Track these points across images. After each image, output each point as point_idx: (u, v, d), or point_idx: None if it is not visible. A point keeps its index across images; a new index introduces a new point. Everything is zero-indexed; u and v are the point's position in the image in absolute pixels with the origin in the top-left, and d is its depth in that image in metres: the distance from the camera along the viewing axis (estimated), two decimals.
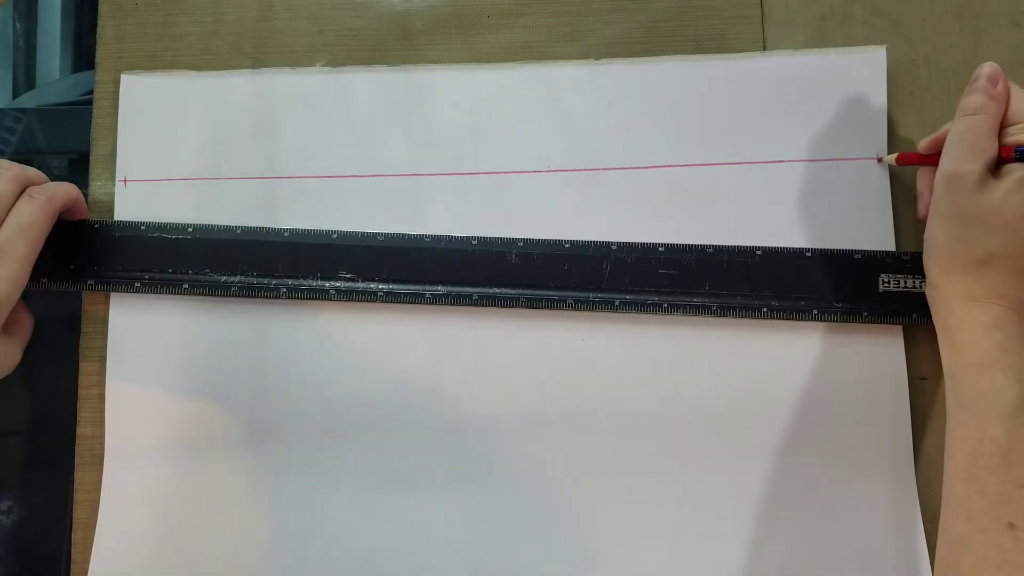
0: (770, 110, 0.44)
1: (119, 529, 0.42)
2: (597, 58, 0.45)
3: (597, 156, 0.44)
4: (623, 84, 0.45)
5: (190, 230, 0.43)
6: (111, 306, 0.43)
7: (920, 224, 0.43)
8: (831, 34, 0.45)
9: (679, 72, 0.45)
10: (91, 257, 0.42)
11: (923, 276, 0.41)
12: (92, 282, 0.42)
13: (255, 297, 0.42)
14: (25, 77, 0.48)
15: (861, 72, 0.44)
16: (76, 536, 0.42)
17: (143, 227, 0.43)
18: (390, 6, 0.46)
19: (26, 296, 0.40)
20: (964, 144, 0.37)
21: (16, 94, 0.48)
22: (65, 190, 0.41)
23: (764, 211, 0.44)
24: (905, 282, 0.42)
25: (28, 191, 0.39)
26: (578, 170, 0.44)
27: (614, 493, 0.42)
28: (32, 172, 0.40)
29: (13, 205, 0.39)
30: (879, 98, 0.44)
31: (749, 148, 0.44)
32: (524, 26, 0.46)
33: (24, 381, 0.44)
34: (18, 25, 0.49)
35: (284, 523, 0.42)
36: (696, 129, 0.44)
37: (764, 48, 0.45)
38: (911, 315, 0.41)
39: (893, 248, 0.43)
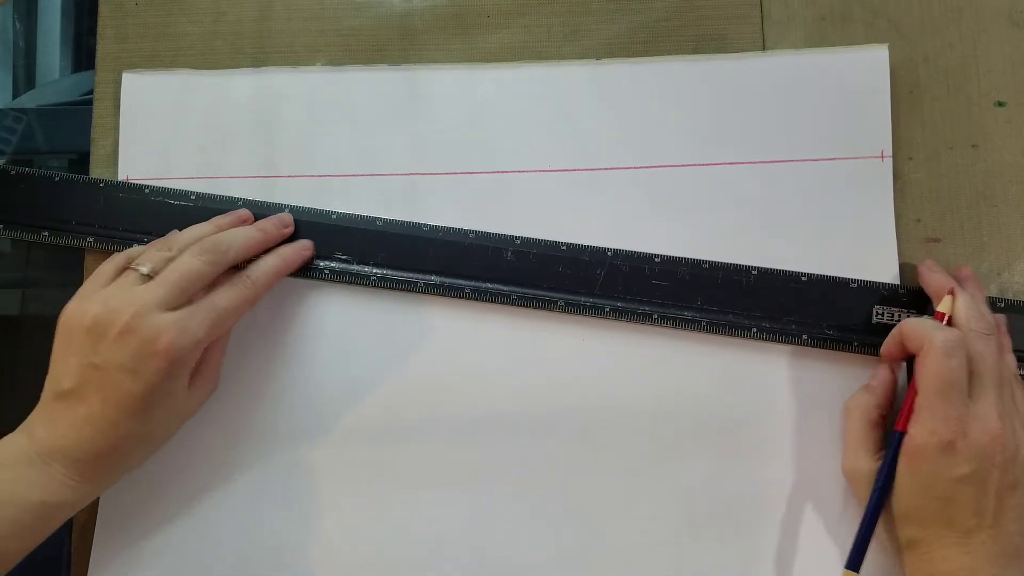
0: (771, 110, 0.44)
1: (119, 529, 0.42)
2: (597, 58, 0.45)
3: (597, 156, 0.44)
4: (623, 84, 0.45)
5: (192, 197, 0.43)
6: None
7: (923, 225, 0.44)
8: (830, 34, 0.45)
9: (679, 72, 0.45)
10: (93, 215, 0.43)
11: (918, 311, 0.41)
12: (92, 240, 0.43)
13: None
14: (25, 77, 0.48)
15: (863, 71, 0.44)
16: (76, 536, 0.42)
17: (147, 190, 0.43)
18: (390, 6, 0.46)
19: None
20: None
21: (16, 94, 0.48)
22: (273, 272, 0.40)
23: (765, 211, 0.44)
24: (899, 316, 0.41)
25: (236, 278, 0.39)
26: (578, 170, 0.44)
27: (614, 493, 0.42)
28: (237, 251, 0.40)
29: (214, 285, 0.39)
30: (881, 97, 0.44)
31: (750, 148, 0.44)
32: (524, 26, 0.46)
33: (24, 381, 0.44)
34: (18, 25, 0.49)
35: (285, 522, 0.42)
36: (696, 129, 0.44)
37: (764, 48, 0.45)
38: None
39: (895, 248, 0.43)
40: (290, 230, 0.42)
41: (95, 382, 0.36)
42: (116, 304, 0.36)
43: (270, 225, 0.42)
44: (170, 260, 0.38)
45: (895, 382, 0.40)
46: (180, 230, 0.41)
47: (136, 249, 0.40)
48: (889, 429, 0.39)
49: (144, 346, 0.35)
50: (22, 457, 0.35)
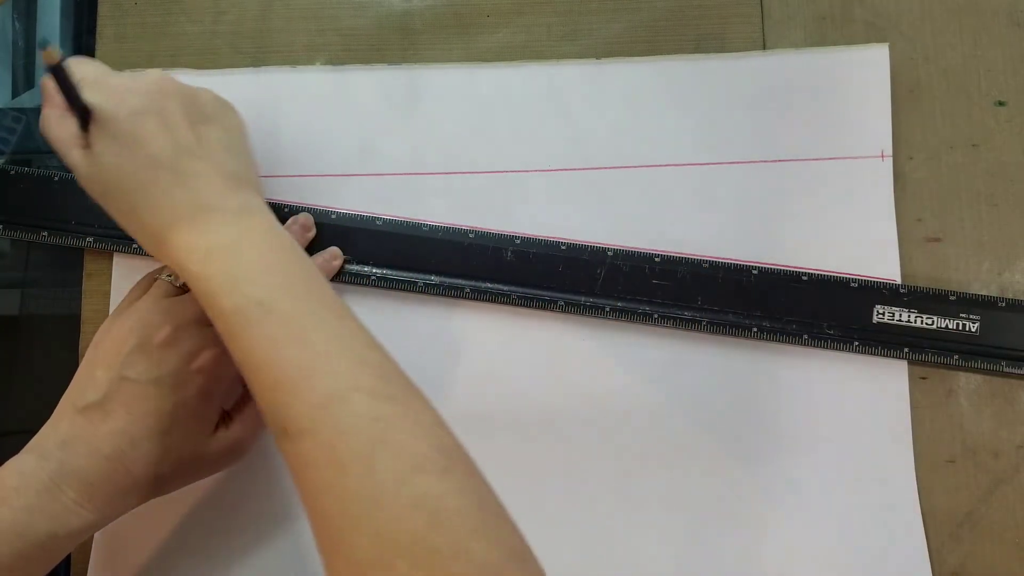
0: (771, 109, 0.44)
1: (119, 529, 0.42)
2: (597, 58, 0.45)
3: (597, 156, 0.44)
4: (623, 83, 0.45)
5: None
6: (111, 294, 0.43)
7: (923, 224, 0.44)
8: (830, 33, 0.45)
9: (679, 71, 0.45)
10: (92, 215, 0.42)
11: (919, 311, 0.41)
12: (91, 240, 0.43)
13: None
14: (25, 77, 0.48)
15: (863, 70, 0.44)
16: None
17: None
18: (390, 6, 0.46)
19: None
20: None
21: (16, 94, 0.48)
22: None
23: (765, 211, 0.43)
24: (900, 315, 0.41)
25: None
26: (578, 169, 0.44)
27: (614, 493, 0.42)
28: None
29: None
30: (882, 96, 0.44)
31: (750, 147, 0.44)
32: (524, 25, 0.46)
33: (24, 381, 0.44)
34: (17, 25, 0.48)
35: (285, 522, 0.42)
36: (696, 129, 0.44)
37: (764, 47, 0.45)
38: (903, 349, 0.41)
39: (896, 248, 0.43)
40: (312, 233, 0.42)
41: (124, 396, 0.34)
42: (154, 317, 0.35)
43: (295, 233, 0.41)
44: None
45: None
46: None
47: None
48: None
49: (184, 361, 0.35)
50: (32, 483, 0.33)
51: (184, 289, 0.37)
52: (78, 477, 0.33)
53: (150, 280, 0.38)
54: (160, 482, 0.35)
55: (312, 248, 0.42)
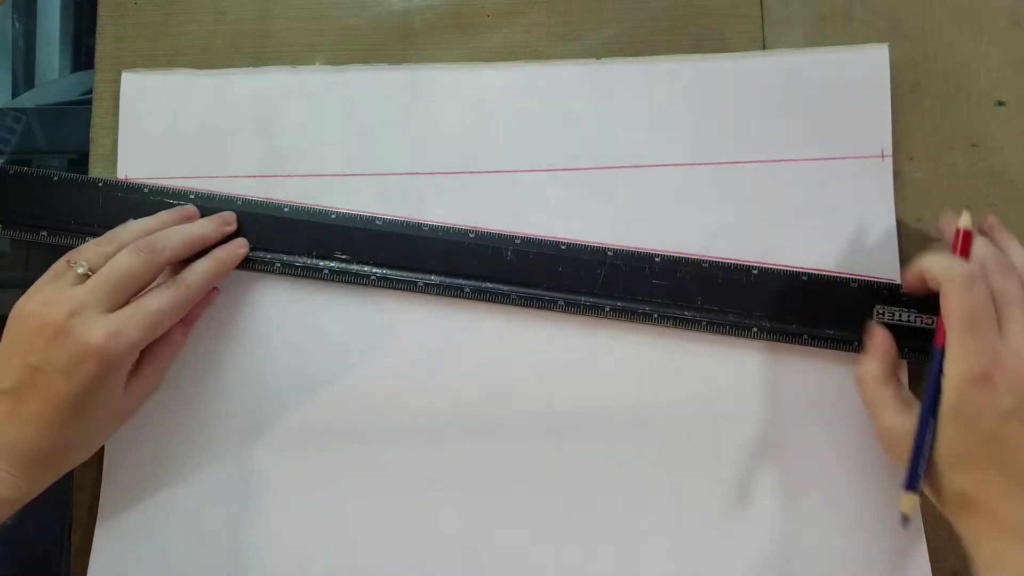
0: (771, 109, 0.44)
1: (119, 529, 0.42)
2: (598, 58, 0.45)
3: (597, 156, 0.44)
4: (623, 83, 0.45)
5: (191, 197, 0.43)
6: None
7: (923, 224, 0.44)
8: (831, 33, 0.45)
9: (679, 72, 0.45)
10: (92, 214, 0.43)
11: (919, 309, 0.41)
12: (91, 240, 0.42)
13: (248, 269, 0.42)
14: (24, 77, 0.48)
15: (863, 70, 0.44)
16: (76, 536, 0.42)
17: (146, 189, 0.43)
18: (389, 5, 0.46)
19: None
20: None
21: (15, 94, 0.48)
22: (207, 274, 0.40)
23: (765, 211, 0.43)
24: (901, 315, 0.41)
25: (170, 281, 0.39)
26: (577, 169, 0.44)
27: (614, 493, 0.42)
28: (173, 250, 0.39)
29: (148, 286, 0.39)
30: (882, 96, 0.44)
31: (750, 147, 0.44)
32: (524, 25, 0.46)
33: None
34: (17, 25, 0.49)
35: (284, 523, 0.42)
36: (696, 128, 0.44)
37: (764, 47, 0.45)
38: (904, 349, 0.41)
39: (896, 248, 0.43)
40: (231, 228, 0.42)
41: (33, 382, 0.36)
42: (52, 304, 0.36)
43: (210, 224, 0.41)
44: (108, 257, 0.38)
45: (891, 339, 0.40)
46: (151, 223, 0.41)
47: (84, 245, 0.39)
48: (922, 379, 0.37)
49: (77, 348, 0.35)
50: None
51: (87, 275, 0.37)
52: (7, 452, 0.36)
53: (64, 264, 0.38)
54: (87, 447, 0.38)
55: (312, 247, 0.42)
